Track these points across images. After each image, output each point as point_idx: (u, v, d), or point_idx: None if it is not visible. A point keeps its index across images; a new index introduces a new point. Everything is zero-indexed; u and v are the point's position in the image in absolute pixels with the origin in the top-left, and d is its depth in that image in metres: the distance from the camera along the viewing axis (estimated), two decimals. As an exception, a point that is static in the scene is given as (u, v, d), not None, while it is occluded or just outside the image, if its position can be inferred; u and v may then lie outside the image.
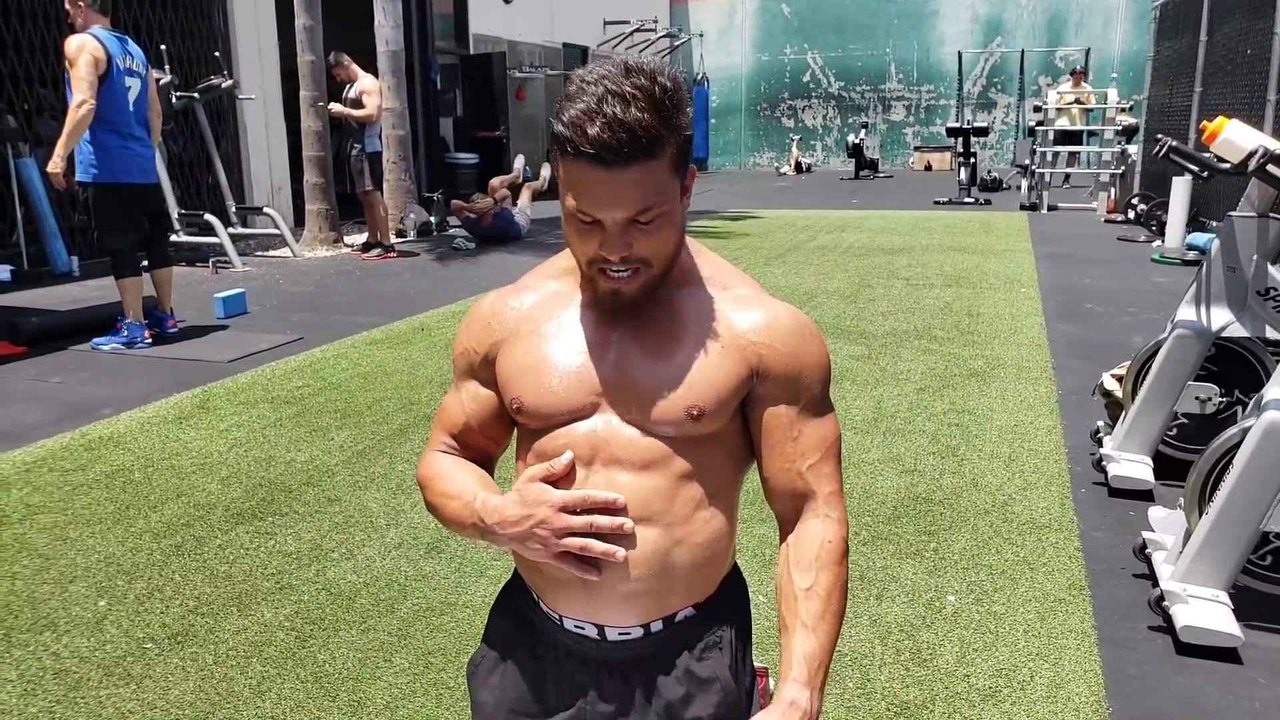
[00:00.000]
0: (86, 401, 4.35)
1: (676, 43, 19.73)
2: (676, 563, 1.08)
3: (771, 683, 1.98)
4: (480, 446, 1.19)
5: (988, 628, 2.38)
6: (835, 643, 1.07)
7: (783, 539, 1.13)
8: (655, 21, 18.31)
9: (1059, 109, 12.68)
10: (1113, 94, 12.52)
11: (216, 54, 9.05)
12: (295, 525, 3.04)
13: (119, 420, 4.07)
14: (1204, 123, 2.52)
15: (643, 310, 1.07)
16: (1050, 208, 11.87)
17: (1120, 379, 3.46)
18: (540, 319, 1.11)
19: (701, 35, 20.83)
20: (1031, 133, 12.62)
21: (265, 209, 8.97)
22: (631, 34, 17.61)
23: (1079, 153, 13.25)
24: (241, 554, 2.84)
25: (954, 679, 2.17)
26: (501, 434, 1.19)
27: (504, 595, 1.22)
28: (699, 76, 20.50)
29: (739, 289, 1.11)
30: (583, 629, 1.09)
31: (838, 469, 1.12)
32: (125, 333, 5.31)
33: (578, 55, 16.79)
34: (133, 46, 5.28)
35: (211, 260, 8.03)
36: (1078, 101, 13.09)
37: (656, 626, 1.10)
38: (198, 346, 5.39)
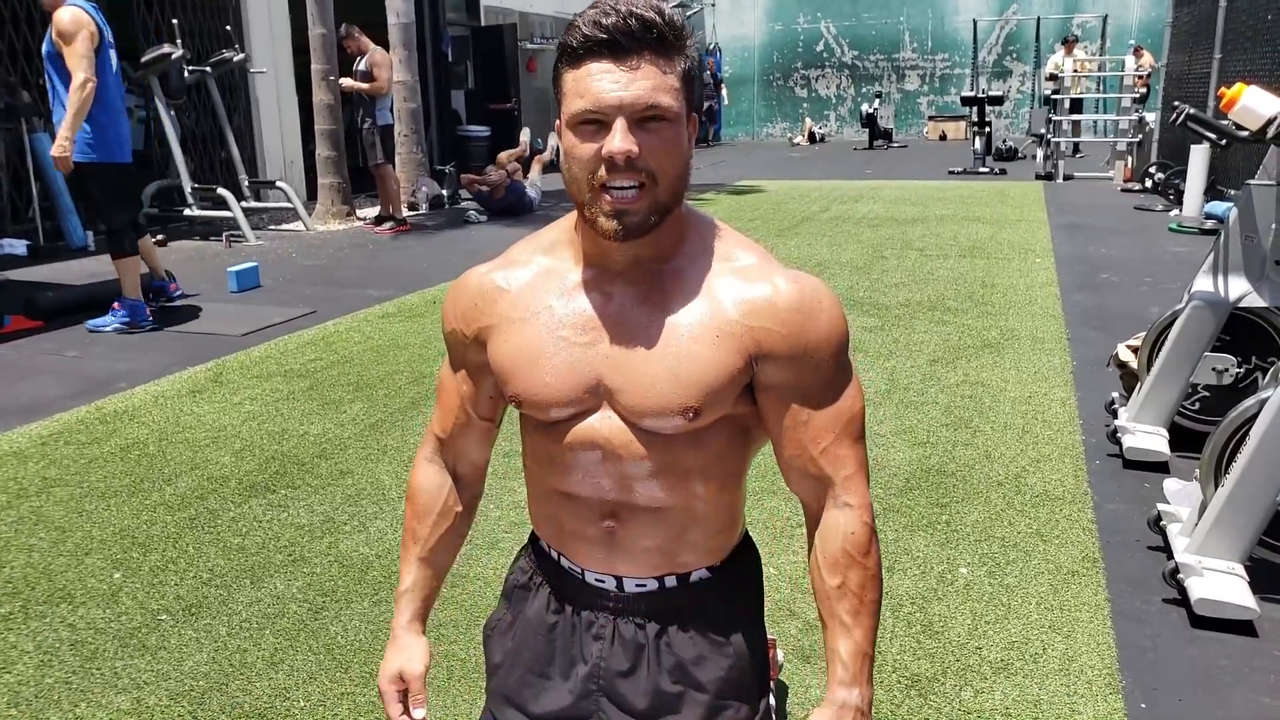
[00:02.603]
0: (102, 375, 4.38)
1: (689, 12, 19.49)
2: (688, 537, 1.10)
3: (780, 654, 1.99)
4: (476, 423, 1.20)
5: (1000, 600, 2.38)
6: (875, 631, 1.07)
7: (808, 526, 1.12)
8: (667, -10, 18.09)
9: (1057, 77, 12.43)
10: (1130, 61, 12.29)
11: (228, 27, 9.01)
12: (308, 498, 3.05)
13: (134, 394, 4.10)
14: (1222, 89, 2.46)
15: (639, 285, 1.04)
16: (1066, 177, 11.72)
17: (1135, 350, 3.42)
18: (531, 303, 1.07)
19: (714, 4, 20.58)
20: (1047, 101, 12.43)
21: (277, 183, 8.97)
22: (643, 3, 17.41)
23: (1094, 121, 13.06)
24: (254, 526, 2.86)
25: (965, 651, 2.17)
26: (495, 410, 1.19)
27: (519, 559, 1.24)
28: (711, 46, 20.27)
29: (743, 259, 1.06)
30: (603, 581, 1.12)
31: (857, 447, 1.07)
32: (125, 313, 5.19)
33: (588, 25, 16.62)
34: (102, 17, 4.95)
35: (225, 234, 8.05)
36: (1075, 71, 12.85)
37: (671, 582, 1.11)
38: (211, 320, 5.40)
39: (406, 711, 1.17)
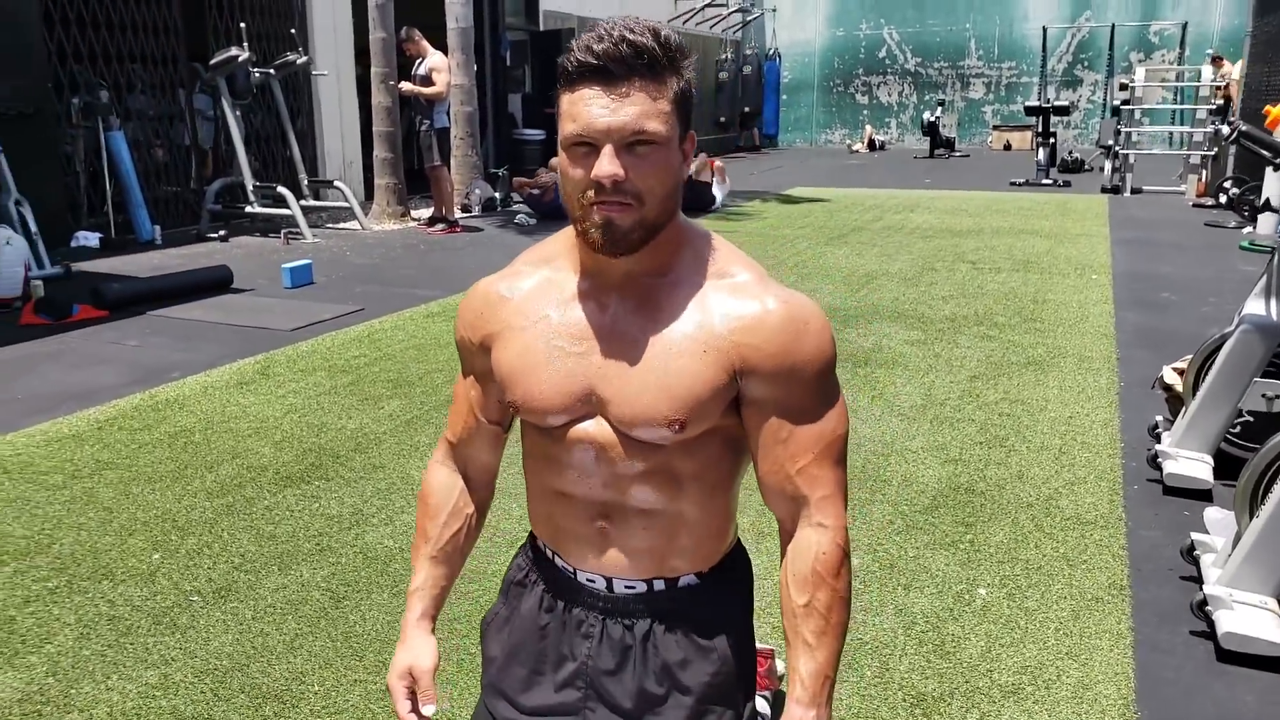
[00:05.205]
0: (158, 365, 4.55)
1: (749, 18, 19.44)
2: (676, 542, 1.12)
3: (779, 664, 1.98)
4: (485, 427, 1.23)
5: (1017, 623, 2.33)
6: (839, 655, 1.08)
7: (782, 545, 1.12)
8: (729, -4, 18.05)
9: (1128, 86, 11.80)
10: (1206, 70, 11.88)
11: (292, 31, 9.27)
12: (339, 490, 3.14)
13: (185, 383, 4.25)
14: (1268, 107, 2.38)
15: (634, 298, 1.06)
16: (1134, 190, 11.39)
17: (1182, 372, 3.32)
18: (532, 312, 1.10)
19: (775, 10, 20.48)
20: (1116, 112, 12.09)
21: (335, 182, 9.19)
22: (703, 9, 17.41)
23: (1169, 134, 12.59)
24: (287, 515, 2.96)
25: (976, 673, 2.14)
26: (504, 415, 1.22)
27: (518, 556, 1.27)
28: (771, 52, 20.18)
29: (739, 276, 1.07)
30: (593, 581, 1.14)
31: (836, 469, 1.08)
32: None
33: (649, 30, 16.66)
34: None
35: (283, 231, 8.28)
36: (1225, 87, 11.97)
37: (660, 585, 1.13)
38: (263, 315, 5.57)
39: (415, 709, 1.19)
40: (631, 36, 0.96)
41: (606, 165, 0.97)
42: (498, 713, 1.21)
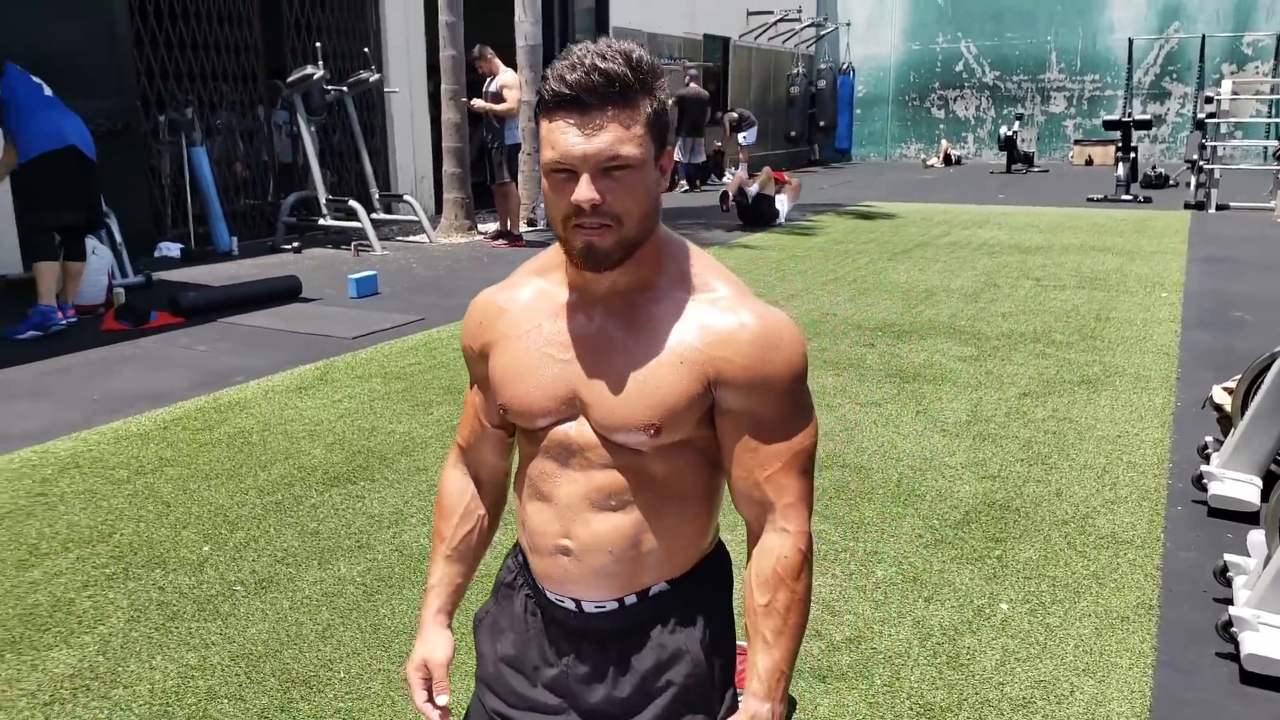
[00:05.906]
0: (224, 369, 4.79)
1: (822, 32, 19.37)
2: (646, 549, 1.15)
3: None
4: (490, 431, 1.29)
5: (1036, 639, 2.30)
6: (795, 655, 1.12)
7: (748, 548, 1.17)
8: (799, 10, 18.03)
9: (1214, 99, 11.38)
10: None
11: (366, 50, 9.63)
12: (383, 490, 3.27)
13: (247, 387, 4.47)
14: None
15: (619, 310, 1.12)
16: (1220, 206, 10.96)
17: (1232, 391, 3.21)
18: (524, 323, 1.17)
19: (849, 24, 20.35)
20: (1201, 125, 11.65)
21: (405, 197, 9.48)
22: (775, 24, 17.43)
23: (1263, 148, 12.08)
24: (331, 514, 3.09)
25: (988, 686, 2.12)
26: (506, 421, 1.27)
27: (508, 557, 1.32)
28: (844, 66, 20.05)
29: (718, 291, 1.12)
30: (563, 601, 1.18)
31: (802, 479, 1.13)
32: (36, 318, 5.37)
33: (719, 46, 16.77)
34: None
35: (354, 243, 8.59)
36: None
37: (630, 599, 1.17)
38: (327, 323, 5.80)
39: (431, 699, 1.25)
40: (603, 65, 1.00)
41: (584, 191, 1.02)
42: (488, 704, 1.26)
